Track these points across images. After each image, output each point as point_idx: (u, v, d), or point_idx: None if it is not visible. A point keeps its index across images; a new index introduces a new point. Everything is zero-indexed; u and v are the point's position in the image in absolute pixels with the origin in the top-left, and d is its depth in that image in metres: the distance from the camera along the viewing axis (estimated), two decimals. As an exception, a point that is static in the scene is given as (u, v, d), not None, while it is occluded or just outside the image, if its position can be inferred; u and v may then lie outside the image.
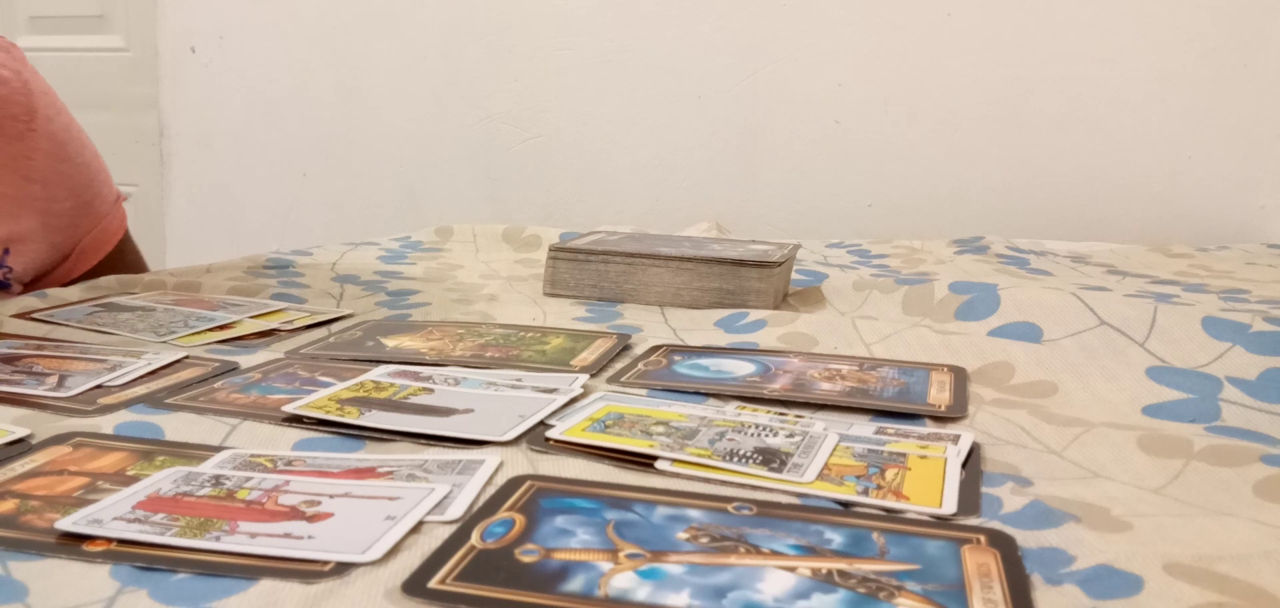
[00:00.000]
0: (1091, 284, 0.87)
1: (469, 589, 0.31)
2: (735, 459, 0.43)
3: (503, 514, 0.37)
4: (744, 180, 1.53)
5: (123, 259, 0.91)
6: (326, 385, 0.53)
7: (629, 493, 0.39)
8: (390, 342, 0.64)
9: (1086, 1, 1.38)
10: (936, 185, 1.46)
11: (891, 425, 0.49)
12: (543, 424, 0.47)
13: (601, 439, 0.45)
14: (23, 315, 0.69)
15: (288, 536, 0.34)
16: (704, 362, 0.61)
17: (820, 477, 0.41)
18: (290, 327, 0.69)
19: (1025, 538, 0.36)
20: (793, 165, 1.51)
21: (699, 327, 0.73)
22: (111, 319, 0.69)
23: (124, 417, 0.48)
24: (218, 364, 0.58)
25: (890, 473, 0.42)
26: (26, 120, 0.78)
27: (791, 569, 0.33)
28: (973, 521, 0.38)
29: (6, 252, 0.79)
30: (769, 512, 0.38)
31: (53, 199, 0.82)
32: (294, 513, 0.36)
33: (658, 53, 1.54)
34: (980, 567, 0.33)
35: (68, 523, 0.35)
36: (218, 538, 0.34)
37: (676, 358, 0.62)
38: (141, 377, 0.55)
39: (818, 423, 0.49)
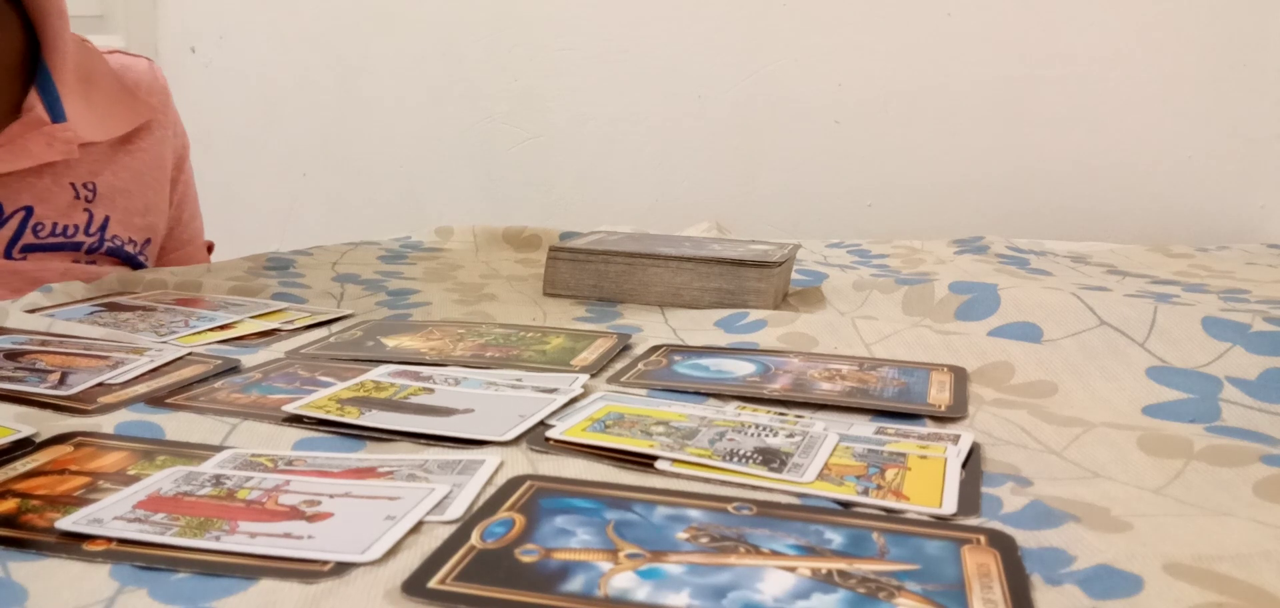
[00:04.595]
0: (1091, 284, 0.87)
1: (469, 589, 0.31)
2: (735, 459, 0.43)
3: (503, 514, 0.37)
4: (744, 180, 1.53)
5: None
6: (327, 385, 0.53)
7: (629, 493, 0.39)
8: (390, 342, 0.64)
9: (1087, 1, 1.38)
10: (937, 185, 1.46)
11: (891, 425, 0.49)
12: (543, 424, 0.47)
13: (601, 439, 0.45)
14: (27, 311, 0.69)
15: (288, 535, 0.34)
16: (704, 362, 0.61)
17: (820, 477, 0.41)
18: (291, 327, 0.69)
19: (1025, 538, 0.36)
20: (793, 165, 1.51)
21: (699, 327, 0.73)
22: (113, 318, 0.69)
23: (125, 416, 0.48)
24: (218, 364, 0.58)
25: (890, 473, 0.42)
26: (179, 165, 1.05)
27: (791, 569, 0.33)
28: (973, 521, 0.38)
29: (148, 241, 0.98)
30: (769, 512, 0.38)
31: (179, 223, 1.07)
32: (294, 513, 0.36)
33: (658, 53, 1.54)
34: (980, 567, 0.33)
35: (68, 523, 0.35)
36: (218, 538, 0.34)
37: (676, 358, 0.62)
38: (143, 375, 0.55)
39: (818, 423, 0.49)
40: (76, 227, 0.90)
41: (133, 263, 0.96)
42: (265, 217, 1.79)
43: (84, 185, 0.90)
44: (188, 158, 1.07)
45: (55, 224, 0.88)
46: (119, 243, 0.93)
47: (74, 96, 0.90)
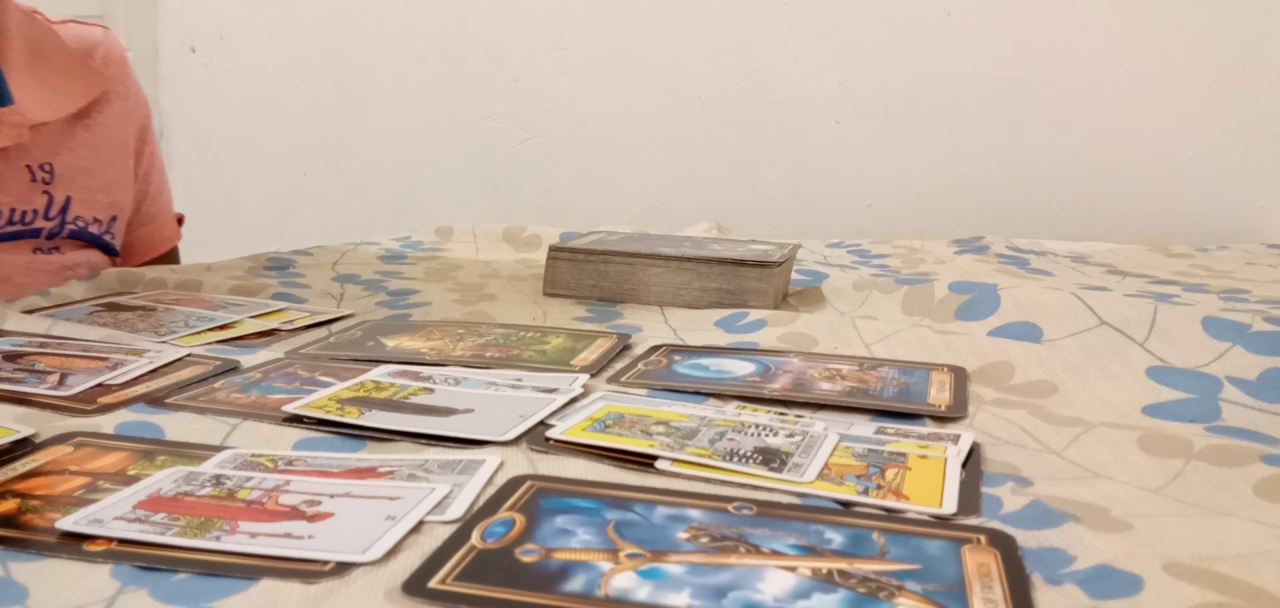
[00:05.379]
0: (1091, 284, 0.87)
1: (469, 589, 0.31)
2: (735, 459, 0.43)
3: (503, 514, 0.37)
4: (744, 180, 1.53)
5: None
6: (327, 385, 0.53)
7: (629, 493, 0.39)
8: (390, 342, 0.64)
9: (1086, 1, 1.38)
10: (937, 185, 1.46)
11: (891, 425, 0.49)
12: (543, 424, 0.47)
13: (601, 439, 0.45)
14: (25, 312, 0.69)
15: (288, 535, 0.34)
16: (704, 362, 0.61)
17: (820, 477, 0.41)
18: (291, 326, 0.69)
19: (1025, 538, 0.36)
20: (793, 165, 1.51)
21: (699, 327, 0.73)
22: (112, 319, 0.69)
23: (125, 416, 0.48)
24: (218, 364, 0.58)
25: (890, 473, 0.42)
26: (142, 137, 1.00)
27: (792, 569, 0.33)
28: (973, 520, 0.38)
29: (114, 219, 0.94)
30: (769, 512, 0.38)
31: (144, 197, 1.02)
32: (294, 513, 0.36)
33: (658, 53, 1.54)
34: (980, 567, 0.33)
35: (68, 523, 0.35)
36: (218, 538, 0.34)
37: (676, 358, 0.62)
38: (142, 375, 0.55)
39: (818, 423, 0.49)
40: (35, 211, 0.86)
41: (99, 244, 0.92)
42: (265, 217, 1.79)
43: (41, 167, 0.87)
44: (151, 128, 1.02)
45: (13, 211, 0.85)
46: (82, 224, 0.90)
47: (23, 74, 0.86)
